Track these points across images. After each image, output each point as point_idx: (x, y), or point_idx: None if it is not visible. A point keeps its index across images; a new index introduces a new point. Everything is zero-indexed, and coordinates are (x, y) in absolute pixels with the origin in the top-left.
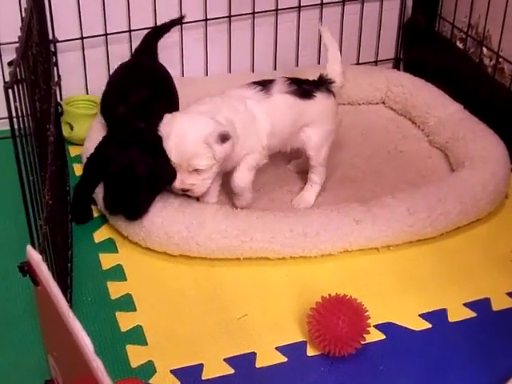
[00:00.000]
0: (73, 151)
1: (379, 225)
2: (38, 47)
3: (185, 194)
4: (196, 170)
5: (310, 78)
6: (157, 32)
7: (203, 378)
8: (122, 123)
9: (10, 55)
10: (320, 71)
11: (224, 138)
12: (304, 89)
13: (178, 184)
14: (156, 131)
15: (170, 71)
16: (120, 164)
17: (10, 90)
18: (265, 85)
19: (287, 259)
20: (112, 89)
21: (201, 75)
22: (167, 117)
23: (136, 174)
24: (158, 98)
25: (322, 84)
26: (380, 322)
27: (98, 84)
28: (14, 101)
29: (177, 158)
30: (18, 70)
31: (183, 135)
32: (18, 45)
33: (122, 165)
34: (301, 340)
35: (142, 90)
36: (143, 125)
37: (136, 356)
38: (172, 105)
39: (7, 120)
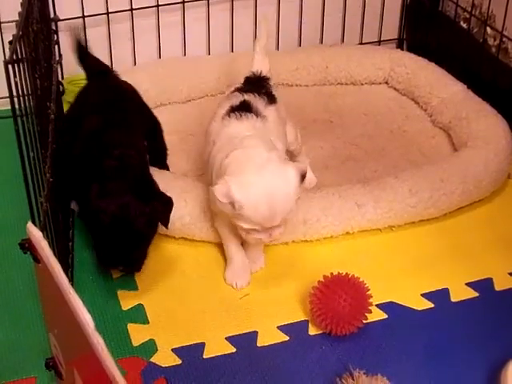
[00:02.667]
0: None
1: (381, 207)
2: (38, 24)
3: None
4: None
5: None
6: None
7: (205, 357)
8: (80, 159)
9: (11, 34)
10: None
11: (304, 176)
12: (268, 94)
13: (266, 240)
14: (134, 160)
15: (171, 51)
16: (113, 217)
17: (9, 66)
18: (243, 109)
19: (289, 243)
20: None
21: (203, 54)
22: (232, 183)
23: (134, 227)
24: (114, 123)
25: (264, 84)
26: (382, 302)
27: None
28: (14, 76)
29: (271, 223)
30: (18, 45)
31: (273, 194)
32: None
33: (116, 218)
34: (302, 319)
35: (93, 118)
36: (114, 162)
37: (137, 334)
38: (133, 127)
39: (8, 100)
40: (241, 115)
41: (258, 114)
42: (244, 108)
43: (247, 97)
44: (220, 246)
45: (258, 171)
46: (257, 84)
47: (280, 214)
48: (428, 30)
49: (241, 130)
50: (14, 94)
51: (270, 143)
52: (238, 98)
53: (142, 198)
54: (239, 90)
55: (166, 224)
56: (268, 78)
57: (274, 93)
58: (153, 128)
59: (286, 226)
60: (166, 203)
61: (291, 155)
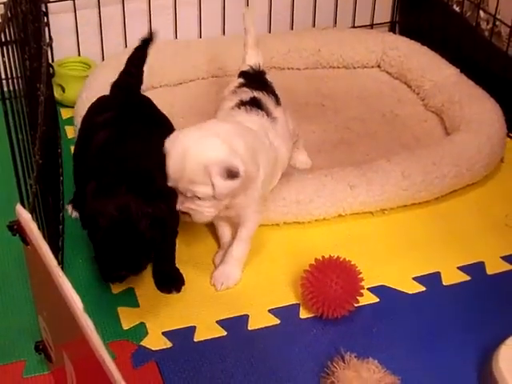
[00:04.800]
0: (65, 113)
1: (374, 190)
2: (27, 5)
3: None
4: (195, 196)
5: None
6: (138, 57)
7: (195, 340)
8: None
9: None
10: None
11: (231, 174)
12: (275, 93)
13: (177, 205)
14: (144, 160)
15: (163, 34)
16: (112, 220)
17: None
18: (254, 105)
19: (280, 224)
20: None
21: (194, 38)
22: (176, 132)
23: (137, 229)
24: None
25: (266, 81)
26: (374, 285)
27: (90, 46)
28: (2, 56)
29: (174, 180)
30: (6, 26)
31: (184, 155)
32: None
33: (116, 221)
34: (294, 302)
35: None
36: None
37: (128, 318)
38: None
39: None
40: (251, 109)
41: (268, 114)
42: (254, 104)
43: (257, 94)
44: (211, 232)
45: (193, 132)
46: (259, 80)
47: (186, 176)
48: (421, 13)
49: (247, 122)
50: (3, 76)
51: (260, 140)
52: (247, 94)
53: (147, 197)
54: (245, 85)
55: (173, 229)
56: (265, 73)
57: (277, 92)
58: None
59: (200, 211)
60: (169, 200)
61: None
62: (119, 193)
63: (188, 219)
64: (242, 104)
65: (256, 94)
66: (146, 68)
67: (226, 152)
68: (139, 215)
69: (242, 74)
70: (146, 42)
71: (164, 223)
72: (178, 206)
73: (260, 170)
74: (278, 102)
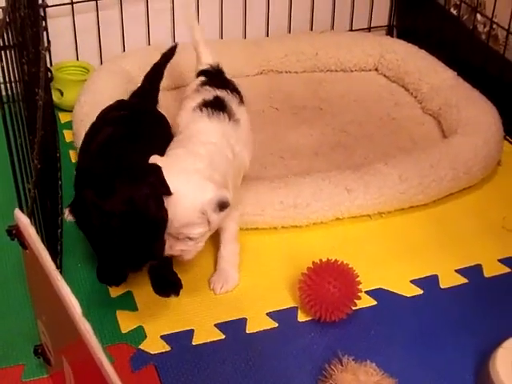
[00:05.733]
0: (63, 117)
1: (371, 193)
2: (25, 10)
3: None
4: (188, 238)
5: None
6: (157, 72)
7: (193, 343)
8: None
9: None
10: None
11: (223, 206)
12: (238, 91)
13: (166, 249)
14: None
15: (160, 37)
16: (124, 216)
17: None
18: (216, 106)
19: (278, 228)
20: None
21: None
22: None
23: (149, 214)
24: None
25: (227, 78)
26: (371, 288)
27: (89, 50)
28: (1, 61)
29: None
30: (5, 31)
31: (177, 200)
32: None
33: (128, 215)
34: (292, 306)
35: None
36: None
37: (126, 321)
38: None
39: None
40: (213, 113)
41: (230, 115)
42: (217, 105)
43: (220, 93)
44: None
45: (177, 174)
46: (220, 78)
47: (178, 223)
48: (418, 16)
49: (208, 132)
50: (1, 80)
51: (225, 158)
52: (210, 93)
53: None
54: (208, 83)
55: (167, 191)
56: (224, 71)
57: (240, 90)
58: None
59: (191, 250)
60: (155, 173)
61: None
62: (116, 189)
63: (179, 259)
64: (204, 105)
65: (219, 92)
66: (142, 72)
67: (212, 187)
68: (143, 199)
69: (203, 73)
70: (167, 57)
71: (161, 197)
72: (168, 251)
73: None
74: (241, 100)
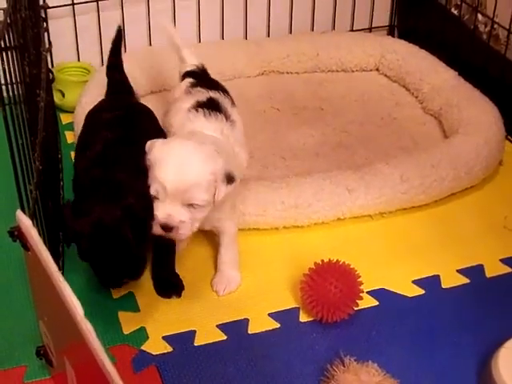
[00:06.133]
0: (64, 119)
1: (372, 193)
2: (26, 11)
3: (165, 233)
4: (191, 205)
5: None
6: (113, 64)
7: (195, 344)
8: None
9: None
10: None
11: (230, 179)
12: (227, 93)
13: (161, 217)
14: (121, 173)
15: (161, 38)
16: (92, 239)
17: None
18: (211, 107)
19: (279, 228)
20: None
21: (194, 42)
22: (158, 142)
23: (119, 237)
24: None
25: (208, 76)
26: (373, 288)
27: (90, 51)
28: (2, 62)
29: (173, 184)
30: (6, 32)
31: (187, 162)
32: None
33: (95, 239)
34: (293, 306)
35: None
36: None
37: (128, 322)
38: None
39: None
40: (210, 114)
41: (227, 116)
42: (213, 106)
43: (213, 94)
44: (209, 237)
45: (186, 141)
46: (208, 79)
47: (186, 184)
48: (419, 16)
49: (208, 129)
50: (2, 81)
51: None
52: (203, 94)
53: (113, 200)
54: (198, 85)
55: (149, 224)
56: (208, 73)
57: (228, 91)
58: None
59: (187, 224)
60: (140, 194)
61: None
62: (90, 207)
63: (172, 236)
64: (199, 106)
65: (212, 94)
66: (145, 73)
67: (223, 159)
68: (114, 225)
69: (189, 74)
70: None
71: (141, 220)
72: (164, 220)
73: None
74: (233, 102)
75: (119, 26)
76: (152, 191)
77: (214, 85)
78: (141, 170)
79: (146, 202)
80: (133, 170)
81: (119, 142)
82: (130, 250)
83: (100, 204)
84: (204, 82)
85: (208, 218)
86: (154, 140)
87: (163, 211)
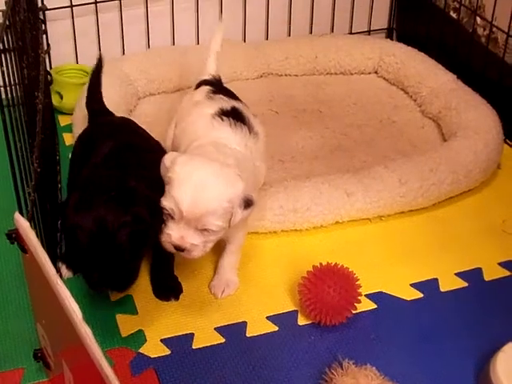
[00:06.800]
0: (62, 120)
1: (371, 196)
2: (25, 13)
3: (177, 251)
4: (204, 229)
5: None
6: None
7: (194, 347)
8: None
9: None
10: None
11: (249, 203)
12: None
13: (175, 239)
14: (132, 180)
15: (160, 40)
16: (90, 234)
17: None
18: (236, 117)
19: (278, 232)
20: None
21: (192, 44)
22: (181, 158)
23: (115, 243)
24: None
25: (224, 87)
26: (371, 292)
27: (88, 53)
28: (1, 64)
29: (189, 209)
30: (4, 34)
31: (206, 185)
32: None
33: (94, 235)
34: (292, 309)
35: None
36: (117, 173)
37: (126, 325)
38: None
39: None
40: (235, 124)
41: (251, 129)
42: (236, 116)
43: (236, 104)
44: None
45: (209, 162)
46: (225, 89)
47: (201, 209)
48: (418, 19)
49: (232, 141)
50: (1, 83)
51: (245, 171)
52: (227, 103)
53: (125, 205)
54: (219, 92)
55: (154, 235)
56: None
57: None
58: None
59: (200, 247)
60: (152, 207)
61: None
62: (98, 204)
63: (184, 255)
64: (223, 113)
65: (235, 103)
66: (142, 75)
67: (242, 182)
68: (115, 226)
69: (205, 83)
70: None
71: (145, 232)
72: (177, 241)
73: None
74: (252, 114)
75: (100, 55)
76: (167, 208)
77: (232, 95)
78: (153, 180)
79: (154, 217)
80: (145, 178)
81: (126, 148)
82: (122, 258)
83: (107, 204)
84: (222, 91)
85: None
86: (176, 154)
87: (178, 232)
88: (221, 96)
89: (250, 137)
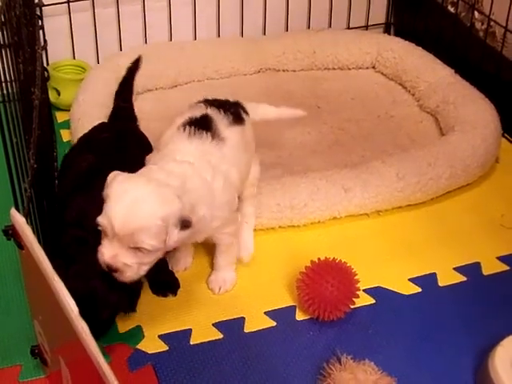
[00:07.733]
0: (60, 117)
1: (368, 192)
2: (21, 9)
3: (110, 271)
4: (137, 248)
5: None
6: (127, 87)
7: (191, 343)
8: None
9: None
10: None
11: (185, 225)
12: (235, 112)
13: (107, 257)
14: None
15: (157, 36)
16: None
17: None
18: (201, 125)
19: (275, 228)
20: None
21: (189, 40)
22: (120, 176)
23: (98, 317)
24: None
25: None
26: (370, 287)
27: (85, 49)
28: None
29: (121, 225)
30: (0, 30)
31: (139, 202)
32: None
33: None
34: (290, 305)
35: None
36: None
37: (124, 321)
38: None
39: None
40: (195, 133)
41: (215, 135)
42: (203, 124)
43: (210, 111)
44: None
45: (145, 181)
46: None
47: (132, 225)
48: (415, 14)
49: (186, 153)
50: None
51: (202, 181)
52: (200, 110)
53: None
54: (206, 101)
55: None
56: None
57: (243, 114)
58: None
59: (134, 268)
60: (133, 293)
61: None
62: (91, 276)
63: (116, 276)
64: (189, 123)
65: (209, 110)
66: (139, 70)
67: (179, 202)
68: (102, 304)
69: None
70: (133, 70)
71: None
72: (108, 260)
73: (205, 210)
74: (235, 121)
75: (139, 56)
76: (101, 225)
77: (224, 104)
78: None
79: None
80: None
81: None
82: (100, 323)
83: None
84: (215, 101)
85: (199, 231)
86: (118, 173)
87: (111, 250)
88: (200, 105)
89: (211, 144)
